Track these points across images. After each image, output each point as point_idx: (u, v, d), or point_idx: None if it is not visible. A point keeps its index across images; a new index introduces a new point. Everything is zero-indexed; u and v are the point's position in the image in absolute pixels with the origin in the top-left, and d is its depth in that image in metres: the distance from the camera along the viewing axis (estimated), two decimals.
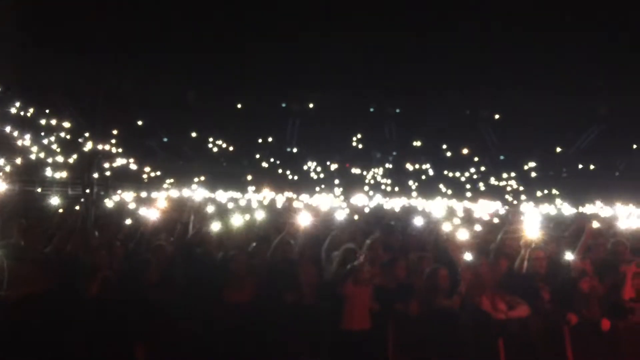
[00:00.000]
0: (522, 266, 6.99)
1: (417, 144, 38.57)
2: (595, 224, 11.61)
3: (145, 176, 25.23)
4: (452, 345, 5.97)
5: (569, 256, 7.08)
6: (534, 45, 31.14)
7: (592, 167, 32.95)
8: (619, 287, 6.73)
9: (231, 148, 36.22)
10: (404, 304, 6.19)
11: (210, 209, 10.43)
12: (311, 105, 40.72)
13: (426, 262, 7.00)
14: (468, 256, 6.40)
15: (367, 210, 15.67)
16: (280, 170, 35.57)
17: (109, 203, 14.42)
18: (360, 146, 39.27)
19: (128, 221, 8.92)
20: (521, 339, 6.11)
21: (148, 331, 5.85)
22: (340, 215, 10.22)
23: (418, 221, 10.14)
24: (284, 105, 41.46)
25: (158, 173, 26.05)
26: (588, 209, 18.24)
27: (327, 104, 39.59)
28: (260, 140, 37.87)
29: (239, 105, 39.26)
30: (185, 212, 8.27)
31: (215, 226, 7.99)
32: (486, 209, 18.01)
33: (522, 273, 6.95)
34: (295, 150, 39.21)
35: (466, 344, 6.03)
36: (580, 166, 33.65)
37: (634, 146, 32.27)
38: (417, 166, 36.42)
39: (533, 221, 8.83)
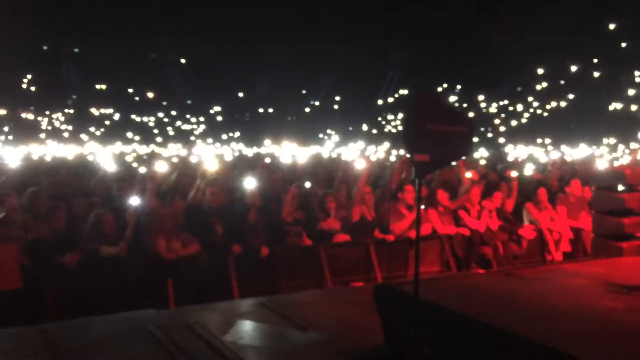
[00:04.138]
0: (197, 201, 7.14)
1: (101, 87, 36.09)
2: (267, 160, 12.82)
3: None
4: (120, 292, 5.76)
5: (243, 190, 7.46)
6: None
7: (270, 110, 35.92)
8: (279, 212, 7.43)
9: None
10: (65, 256, 5.70)
11: None
12: None
13: (93, 208, 6.57)
14: (135, 200, 6.19)
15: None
16: None
17: None
18: (33, 89, 34.83)
19: None
20: (190, 276, 6.26)
21: None
22: None
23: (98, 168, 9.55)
24: None
25: None
26: (265, 149, 19.89)
27: None
28: None
29: None
30: None
31: None
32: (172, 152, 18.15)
33: (198, 209, 7.08)
34: None
35: (135, 289, 5.90)
36: (260, 110, 36.31)
37: (304, 92, 36.34)
38: (101, 111, 34.25)
39: (208, 159, 9.11)
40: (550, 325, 2.80)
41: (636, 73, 24.08)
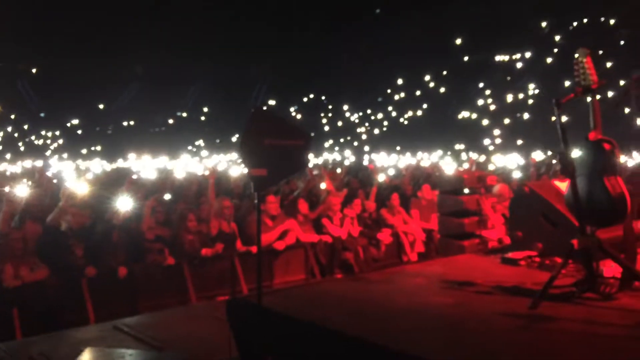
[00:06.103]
0: (56, 223, 6.68)
1: None
2: (134, 176, 12.38)
3: None
4: None
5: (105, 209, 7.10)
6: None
7: (132, 123, 34.34)
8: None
9: None
10: None
11: None
12: None
13: None
14: None
15: None
16: None
17: None
18: None
19: None
20: (38, 303, 5.84)
21: None
22: None
23: None
24: None
25: None
26: (126, 163, 19.14)
27: None
28: None
29: None
30: None
31: None
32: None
33: (56, 231, 6.62)
34: None
35: None
36: (123, 123, 34.61)
37: (169, 103, 35.30)
38: None
39: (69, 178, 8.57)
40: (388, 323, 3.01)
41: (480, 85, 26.57)
